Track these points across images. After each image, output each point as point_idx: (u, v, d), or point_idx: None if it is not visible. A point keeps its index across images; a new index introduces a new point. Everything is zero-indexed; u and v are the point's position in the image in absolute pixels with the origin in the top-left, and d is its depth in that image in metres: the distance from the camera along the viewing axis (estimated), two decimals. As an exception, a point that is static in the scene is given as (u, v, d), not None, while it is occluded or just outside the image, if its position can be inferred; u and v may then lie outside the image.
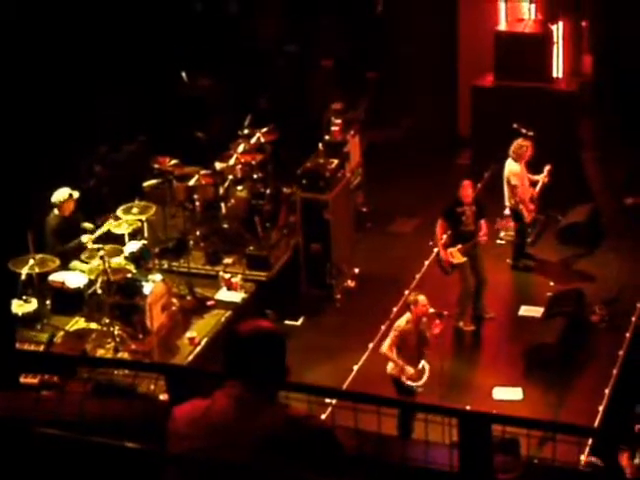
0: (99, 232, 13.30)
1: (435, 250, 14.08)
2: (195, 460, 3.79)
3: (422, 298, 11.55)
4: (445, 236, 13.64)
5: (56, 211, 13.38)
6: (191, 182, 14.59)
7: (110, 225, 13.34)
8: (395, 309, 13.69)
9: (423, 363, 11.58)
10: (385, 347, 11.56)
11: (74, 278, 12.92)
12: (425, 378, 11.56)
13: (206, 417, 4.00)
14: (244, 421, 3.93)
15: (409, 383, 11.51)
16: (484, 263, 13.83)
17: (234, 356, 4.05)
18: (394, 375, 11.57)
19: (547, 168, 14.49)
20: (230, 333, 4.14)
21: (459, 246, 13.51)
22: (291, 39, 18.77)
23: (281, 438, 3.85)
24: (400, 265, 15.14)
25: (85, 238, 13.07)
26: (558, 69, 17.15)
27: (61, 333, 12.58)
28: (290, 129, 16.06)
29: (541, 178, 14.55)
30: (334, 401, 6.26)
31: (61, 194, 13.39)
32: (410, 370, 11.47)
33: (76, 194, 13.48)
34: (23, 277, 12.51)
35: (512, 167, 14.45)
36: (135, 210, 13.55)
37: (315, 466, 3.82)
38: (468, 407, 11.19)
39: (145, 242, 13.69)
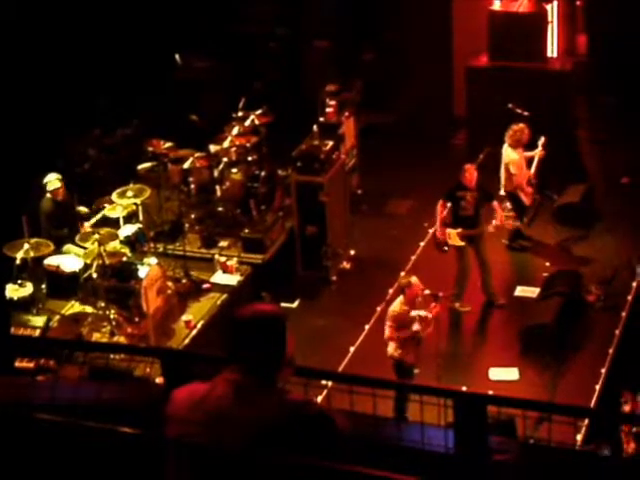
0: (97, 217, 13.33)
1: (432, 229, 14.02)
2: (193, 445, 3.77)
3: (414, 279, 11.56)
4: (445, 212, 13.56)
5: (49, 195, 13.39)
6: (186, 165, 14.56)
7: (106, 209, 13.39)
8: (391, 290, 13.68)
9: (419, 313, 11.51)
10: (387, 333, 11.59)
11: (69, 262, 12.91)
12: (432, 324, 11.52)
13: (205, 402, 3.98)
14: (243, 406, 3.91)
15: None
16: (485, 245, 13.79)
17: (234, 340, 4.03)
18: (395, 357, 11.58)
19: (541, 141, 14.41)
20: (230, 317, 4.11)
21: (459, 230, 13.45)
22: (284, 21, 18.67)
23: (279, 424, 3.84)
24: (396, 246, 15.13)
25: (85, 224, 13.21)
26: (553, 49, 17.07)
27: (57, 317, 12.58)
28: (284, 111, 16.00)
29: (536, 153, 14.48)
30: (330, 383, 6.25)
31: (50, 179, 13.41)
32: (416, 326, 11.45)
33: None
34: (18, 261, 12.50)
35: (511, 155, 14.29)
36: (130, 193, 13.51)
37: (313, 452, 3.81)
38: (464, 388, 11.19)
39: (140, 225, 13.67)
